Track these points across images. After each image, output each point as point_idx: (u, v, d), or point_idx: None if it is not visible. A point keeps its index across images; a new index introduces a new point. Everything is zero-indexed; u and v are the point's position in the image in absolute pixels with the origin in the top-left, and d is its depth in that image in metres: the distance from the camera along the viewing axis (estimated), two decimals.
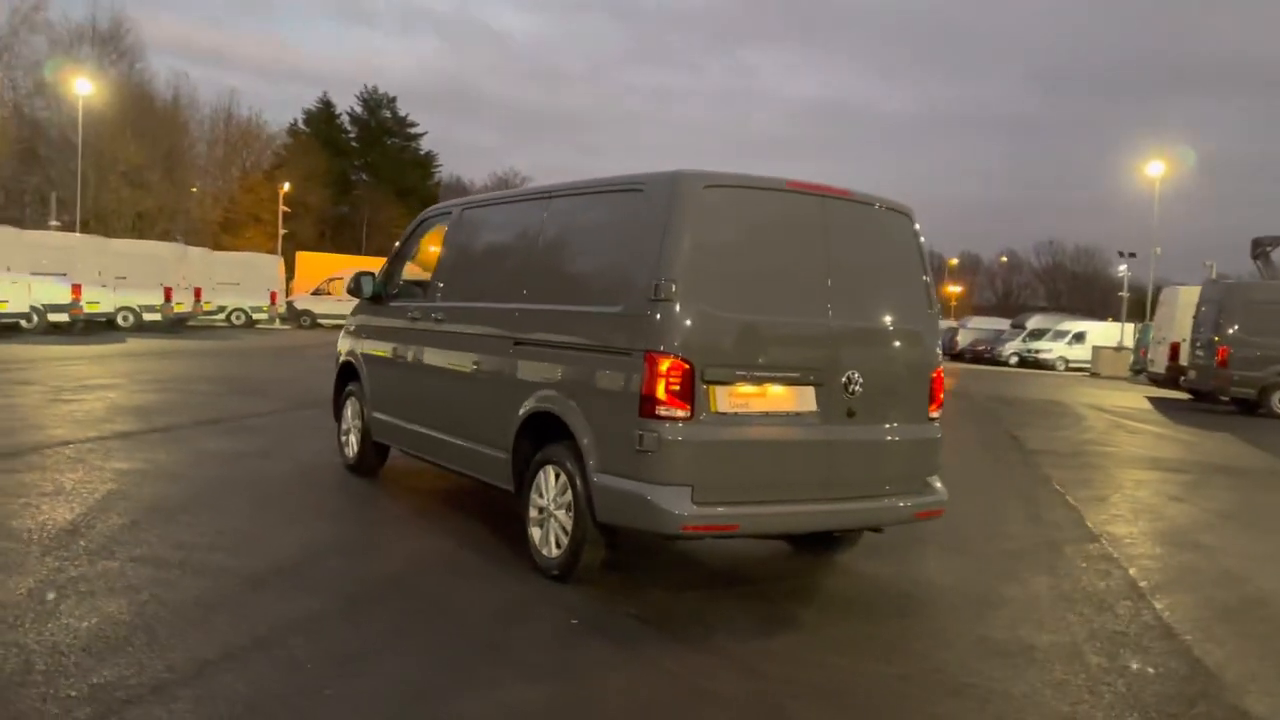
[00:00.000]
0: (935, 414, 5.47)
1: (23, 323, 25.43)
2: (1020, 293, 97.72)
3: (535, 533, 5.26)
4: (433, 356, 6.55)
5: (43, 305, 25.91)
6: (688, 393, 4.58)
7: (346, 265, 41.66)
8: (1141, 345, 30.17)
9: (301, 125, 71.16)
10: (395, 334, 7.11)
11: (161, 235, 40.46)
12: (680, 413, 4.58)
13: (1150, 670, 4.46)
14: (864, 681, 4.12)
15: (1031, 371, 40.04)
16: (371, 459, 7.51)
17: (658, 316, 4.62)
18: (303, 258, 44.02)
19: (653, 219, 4.79)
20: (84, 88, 37.24)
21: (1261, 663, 4.66)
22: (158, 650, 3.83)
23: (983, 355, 47.17)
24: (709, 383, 4.64)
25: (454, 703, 3.61)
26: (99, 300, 27.70)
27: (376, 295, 7.44)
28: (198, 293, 33.01)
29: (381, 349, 7.30)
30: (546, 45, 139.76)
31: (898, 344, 5.35)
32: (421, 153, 75.82)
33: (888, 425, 5.21)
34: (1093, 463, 11.57)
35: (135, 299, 29.19)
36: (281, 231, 47.82)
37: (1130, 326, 40.31)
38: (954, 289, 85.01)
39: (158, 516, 5.95)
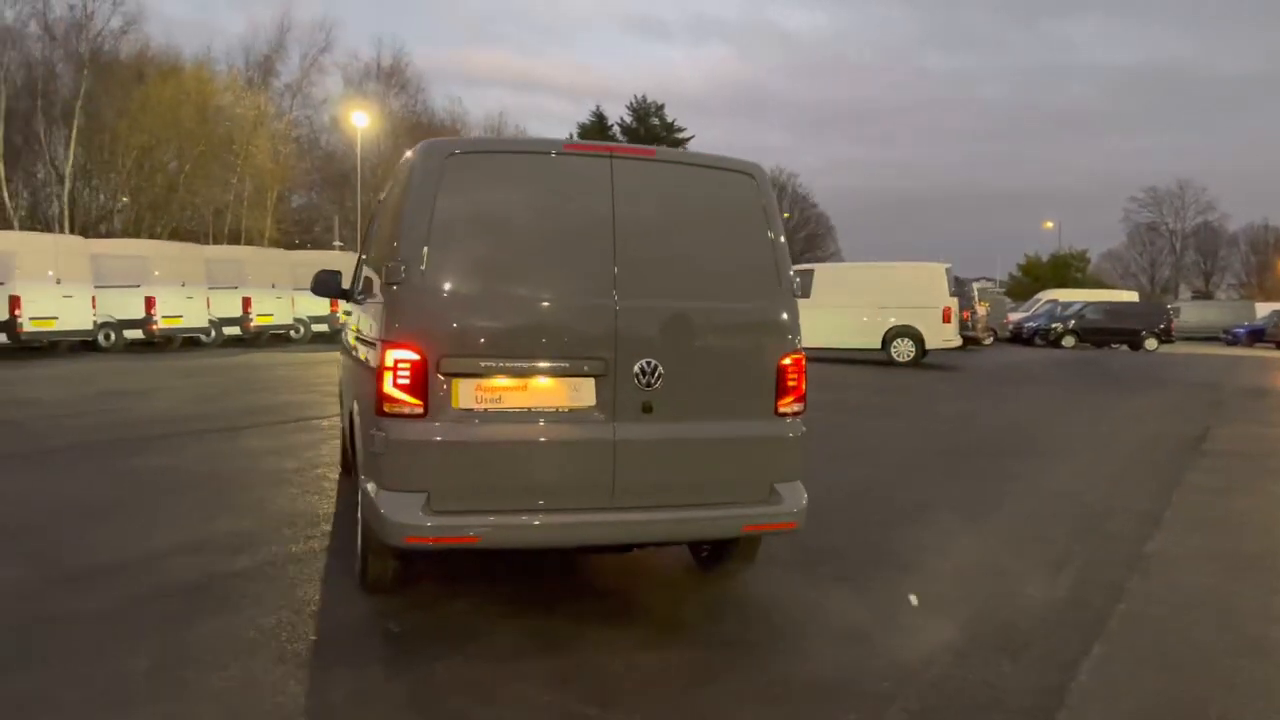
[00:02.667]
0: (790, 409, 4.57)
1: (291, 333, 28.51)
2: None
3: (359, 539, 4.98)
4: (346, 351, 6.46)
5: (306, 317, 28.88)
6: (419, 387, 4.11)
7: None
8: None
9: (577, 139, 74.71)
10: (344, 330, 7.10)
11: None
12: (411, 410, 4.12)
13: None
14: None
15: None
16: (349, 456, 7.50)
17: (390, 303, 4.20)
18: None
19: (403, 196, 4.37)
20: (360, 120, 41.09)
21: None
22: None
23: None
24: (449, 375, 4.13)
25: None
26: None
27: (346, 292, 7.41)
28: None
29: (342, 346, 7.31)
30: (835, 39, 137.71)
31: (723, 327, 4.53)
32: None
33: (705, 423, 4.42)
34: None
35: None
36: None
37: None
38: None
39: (86, 513, 6.29)
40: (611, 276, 4.29)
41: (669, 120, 76.48)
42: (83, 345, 22.80)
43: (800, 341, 4.64)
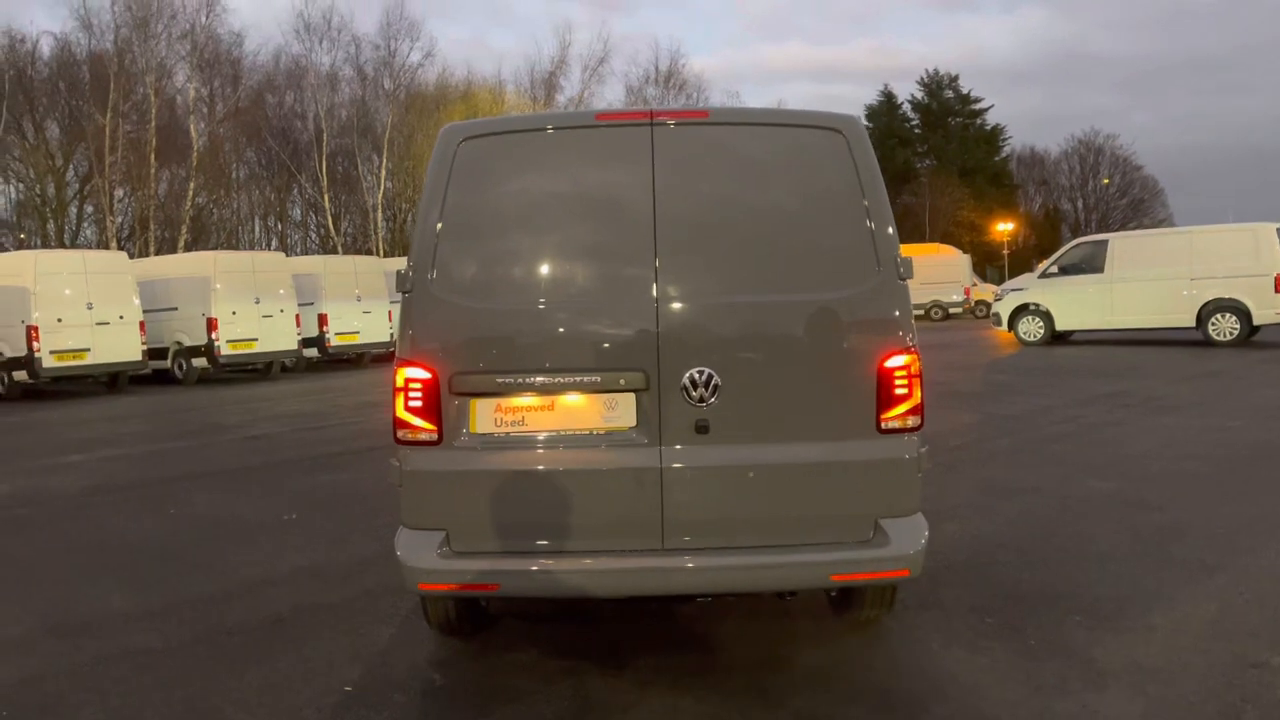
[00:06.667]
0: (899, 424, 3.57)
1: None
2: None
3: None
4: None
5: None
6: (432, 409, 3.57)
7: None
8: None
9: (865, 122, 72.38)
10: None
11: None
12: (425, 435, 3.59)
13: None
14: None
15: None
16: None
17: (403, 314, 3.69)
18: None
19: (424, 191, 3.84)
20: None
21: None
22: None
23: None
24: (463, 394, 3.56)
25: None
26: None
27: None
28: None
29: None
30: None
31: (800, 324, 3.59)
32: (987, 128, 72.18)
33: (780, 445, 3.53)
34: None
35: None
36: None
37: None
38: None
39: (237, 533, 6.36)
40: (652, 269, 3.52)
41: (964, 92, 72.32)
42: (389, 356, 24.79)
43: (913, 338, 3.61)
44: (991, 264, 60.44)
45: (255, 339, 20.39)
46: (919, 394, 3.59)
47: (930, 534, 3.63)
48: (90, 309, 18.05)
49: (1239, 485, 6.87)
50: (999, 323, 20.60)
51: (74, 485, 8.52)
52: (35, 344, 17.39)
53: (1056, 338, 19.88)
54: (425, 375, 3.56)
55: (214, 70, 41.54)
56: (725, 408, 3.48)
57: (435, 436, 3.57)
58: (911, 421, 3.58)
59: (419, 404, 3.57)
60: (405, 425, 3.60)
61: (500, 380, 3.54)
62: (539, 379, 3.53)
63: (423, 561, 3.53)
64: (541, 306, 3.57)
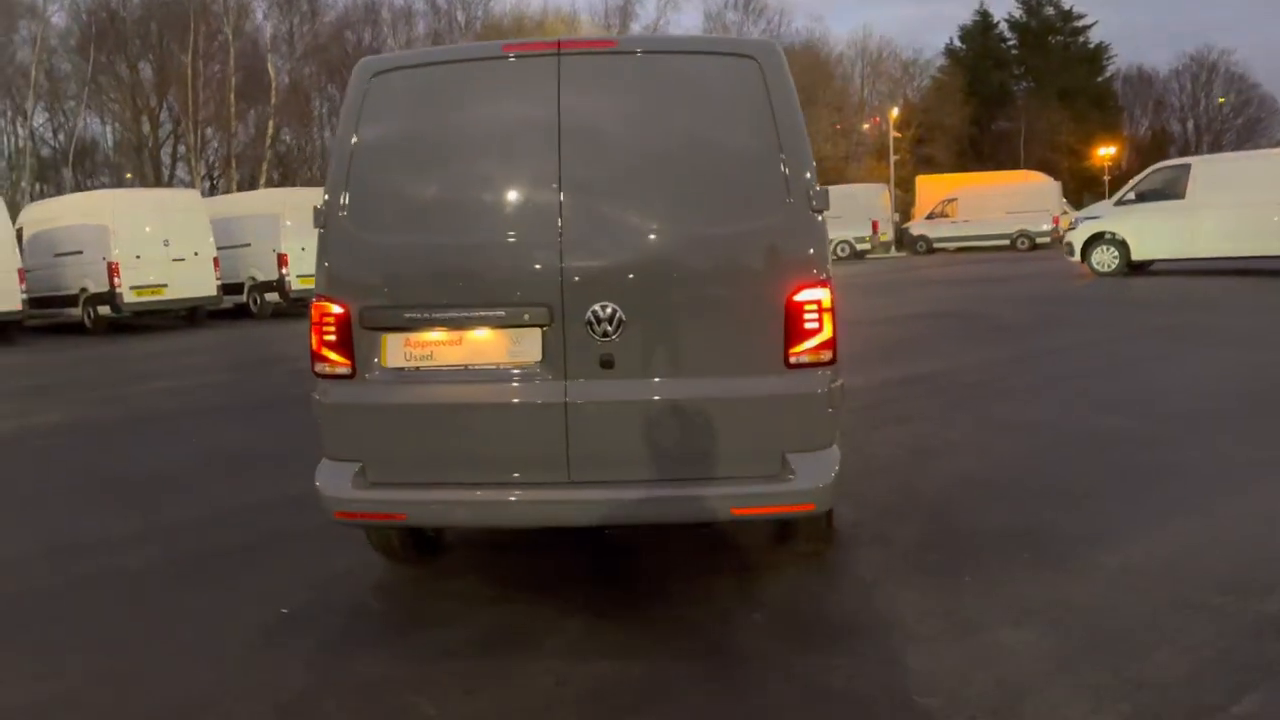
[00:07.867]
0: (810, 358, 3.50)
1: None
2: None
3: None
4: None
5: None
6: (345, 343, 3.65)
7: (964, 185, 39.85)
8: None
9: (958, 43, 69.51)
10: None
11: None
12: (340, 369, 3.67)
13: None
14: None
15: None
16: None
17: (319, 251, 3.75)
18: (922, 181, 43.14)
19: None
20: None
21: None
22: None
23: None
24: (374, 329, 3.62)
25: None
26: None
27: None
28: None
29: None
30: None
31: (705, 258, 3.53)
32: (1090, 46, 68.57)
33: (684, 380, 3.51)
34: None
35: None
36: (893, 158, 47.07)
37: None
38: None
39: (241, 462, 6.63)
40: (556, 203, 3.50)
41: (1066, 8, 68.53)
42: None
43: (825, 272, 3.52)
44: (1091, 190, 57.90)
45: None
46: (830, 328, 3.51)
47: (843, 468, 3.58)
48: (166, 246, 18.71)
49: (1259, 425, 6.54)
50: (1071, 253, 19.73)
51: (118, 415, 8.99)
52: (116, 279, 18.17)
53: (1134, 268, 19.02)
54: (338, 310, 3.63)
55: (291, 6, 42.12)
56: (630, 342, 3.47)
57: (349, 370, 3.65)
58: (824, 356, 3.52)
59: (333, 338, 3.65)
60: (322, 359, 3.69)
61: (408, 315, 3.59)
62: (445, 314, 3.57)
63: (339, 491, 3.64)
64: (447, 241, 3.59)
